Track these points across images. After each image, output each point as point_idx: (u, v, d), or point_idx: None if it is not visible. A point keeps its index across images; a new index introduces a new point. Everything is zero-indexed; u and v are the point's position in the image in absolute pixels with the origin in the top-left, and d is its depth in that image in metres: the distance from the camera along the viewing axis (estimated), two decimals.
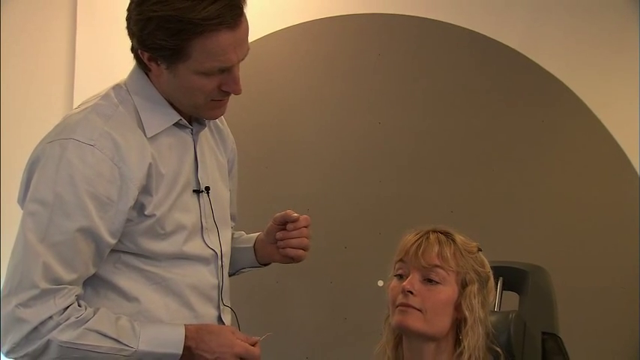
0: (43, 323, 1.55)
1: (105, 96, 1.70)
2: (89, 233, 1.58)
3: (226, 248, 1.86)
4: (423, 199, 3.51)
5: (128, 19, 1.63)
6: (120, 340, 1.60)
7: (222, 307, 1.83)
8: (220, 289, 1.82)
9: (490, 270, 1.85)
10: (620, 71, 3.60)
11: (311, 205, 3.51)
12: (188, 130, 1.76)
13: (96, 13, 3.59)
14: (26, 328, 1.55)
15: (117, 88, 1.72)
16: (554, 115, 3.58)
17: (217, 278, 1.81)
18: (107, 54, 3.51)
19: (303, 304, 3.49)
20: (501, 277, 2.18)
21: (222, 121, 1.93)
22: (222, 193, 1.89)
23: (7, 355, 1.59)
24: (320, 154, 3.56)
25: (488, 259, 1.87)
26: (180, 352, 1.64)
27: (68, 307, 1.58)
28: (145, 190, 1.65)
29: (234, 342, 1.69)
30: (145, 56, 1.64)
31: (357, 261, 3.44)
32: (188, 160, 1.76)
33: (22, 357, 1.59)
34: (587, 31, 3.62)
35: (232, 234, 2.01)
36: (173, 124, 1.72)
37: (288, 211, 1.89)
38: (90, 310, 1.62)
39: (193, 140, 1.77)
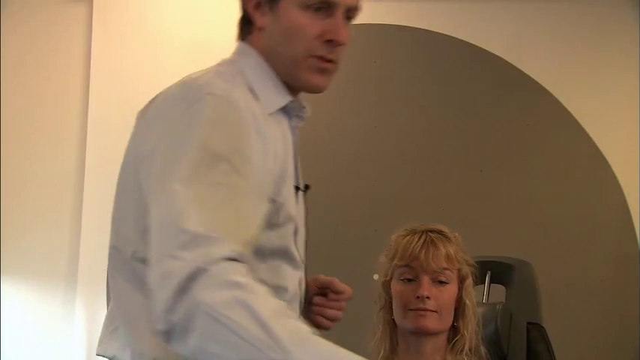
0: (191, 277, 1.11)
1: (221, 64, 1.47)
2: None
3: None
4: (416, 198, 3.51)
5: None
6: (275, 337, 1.08)
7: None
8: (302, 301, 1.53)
9: (470, 255, 1.87)
10: (600, 77, 3.62)
11: (310, 203, 3.50)
12: (287, 122, 1.47)
13: (111, 22, 3.59)
14: (173, 284, 1.11)
15: (230, 60, 1.48)
16: (538, 119, 3.59)
17: (300, 287, 1.51)
18: (122, 62, 3.52)
19: None
20: (489, 271, 2.18)
21: None
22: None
23: (161, 334, 1.14)
24: (319, 155, 3.56)
25: (477, 255, 1.88)
26: None
27: (230, 259, 1.14)
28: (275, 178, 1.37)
29: None
30: (252, 3, 1.43)
31: (353, 256, 3.43)
32: (290, 152, 1.47)
33: (172, 331, 1.13)
34: (569, 41, 3.64)
35: None
36: (279, 110, 1.44)
37: (335, 280, 1.64)
38: (258, 284, 1.15)
39: (292, 132, 1.49)
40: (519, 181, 3.55)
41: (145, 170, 1.32)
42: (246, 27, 1.47)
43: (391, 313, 1.84)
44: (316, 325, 1.58)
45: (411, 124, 3.61)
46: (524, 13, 3.66)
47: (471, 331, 1.79)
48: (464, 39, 3.62)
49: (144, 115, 1.43)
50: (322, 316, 1.62)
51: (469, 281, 1.80)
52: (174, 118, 1.32)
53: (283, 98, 1.44)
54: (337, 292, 1.62)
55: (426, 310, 1.75)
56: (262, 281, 1.18)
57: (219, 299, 1.09)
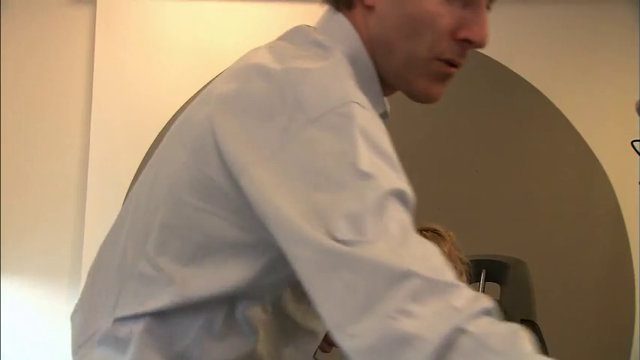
0: (448, 337, 0.82)
1: (314, 52, 1.07)
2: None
3: None
4: None
5: None
6: None
7: None
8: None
9: (464, 253, 1.88)
10: (592, 79, 3.61)
11: None
12: None
13: (114, 25, 3.58)
14: (426, 349, 0.81)
15: (314, 43, 1.10)
16: (531, 120, 3.59)
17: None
18: (125, 64, 3.51)
19: None
20: (484, 270, 2.19)
21: None
22: None
23: None
24: None
25: (473, 253, 1.88)
26: None
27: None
28: None
29: None
30: None
31: None
32: None
33: None
34: (561, 43, 3.64)
35: None
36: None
37: None
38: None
39: None
40: (513, 181, 3.55)
41: (250, 175, 0.97)
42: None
43: None
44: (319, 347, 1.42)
45: (406, 125, 3.59)
46: (518, 17, 3.65)
47: None
48: None
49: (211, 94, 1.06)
50: (324, 340, 1.39)
51: (462, 279, 1.81)
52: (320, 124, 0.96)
53: (381, 106, 1.15)
54: None
55: None
56: None
57: None
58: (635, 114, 1.80)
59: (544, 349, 2.05)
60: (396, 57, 1.09)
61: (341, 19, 1.11)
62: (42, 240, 3.45)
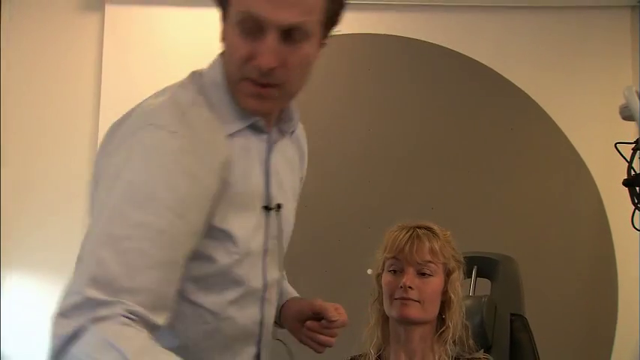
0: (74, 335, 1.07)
1: (182, 85, 1.30)
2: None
3: (276, 276, 1.41)
4: (407, 197, 3.52)
5: None
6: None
7: (264, 343, 1.43)
8: (262, 324, 1.40)
9: (460, 252, 1.87)
10: (579, 85, 3.63)
11: (308, 202, 3.50)
12: (264, 137, 1.33)
13: (121, 32, 3.59)
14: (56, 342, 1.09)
15: (198, 73, 1.32)
16: (521, 124, 3.61)
17: (262, 312, 1.38)
18: (131, 69, 3.53)
19: (300, 289, 3.47)
20: (475, 266, 2.20)
21: (304, 137, 1.57)
22: (291, 218, 1.46)
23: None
24: (316, 157, 3.52)
25: (465, 251, 1.89)
26: None
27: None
28: (217, 197, 1.22)
29: None
30: (220, 14, 1.28)
31: (348, 252, 3.44)
32: (258, 172, 1.32)
33: None
34: (550, 50, 3.66)
35: None
36: (248, 128, 1.30)
37: (329, 309, 1.49)
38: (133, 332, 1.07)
39: (267, 149, 1.34)
40: (503, 182, 3.57)
41: (93, 191, 1.27)
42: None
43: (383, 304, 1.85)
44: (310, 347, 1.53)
45: (402, 128, 3.61)
46: (508, 25, 3.67)
47: (456, 323, 1.79)
48: (452, 48, 3.64)
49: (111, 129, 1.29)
50: (314, 340, 1.52)
51: (455, 275, 1.80)
52: (118, 143, 1.21)
53: (248, 117, 1.29)
54: (330, 321, 1.48)
55: (408, 299, 1.76)
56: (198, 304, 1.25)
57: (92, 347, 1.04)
58: (619, 117, 1.82)
59: (532, 341, 2.07)
60: (228, 79, 1.29)
61: (217, 56, 1.33)
62: (51, 236, 3.45)
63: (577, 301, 3.48)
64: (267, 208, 1.33)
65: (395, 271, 1.81)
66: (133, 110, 1.27)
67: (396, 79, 3.64)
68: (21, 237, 3.50)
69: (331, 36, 1.34)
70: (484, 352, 1.87)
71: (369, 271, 1.93)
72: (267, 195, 1.33)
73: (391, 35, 3.64)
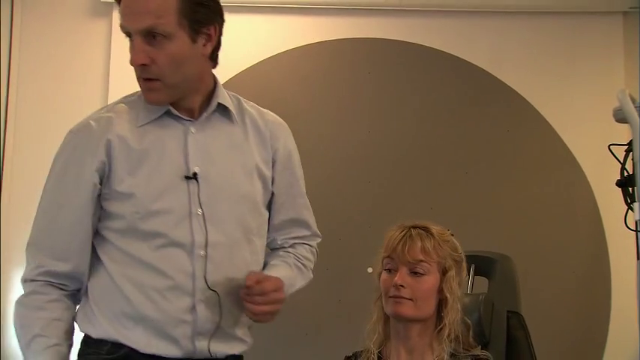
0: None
1: (118, 100, 1.69)
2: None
3: (222, 238, 1.60)
4: (406, 197, 3.51)
5: None
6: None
7: (198, 296, 1.57)
8: (194, 277, 1.56)
9: (462, 252, 1.87)
10: (573, 87, 3.63)
11: (310, 202, 3.53)
12: (184, 122, 1.61)
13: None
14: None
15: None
16: (517, 126, 3.61)
17: (192, 266, 1.56)
18: None
19: (303, 288, 3.49)
20: (473, 265, 2.20)
21: (270, 123, 1.74)
22: (228, 186, 1.63)
23: None
24: (318, 159, 3.54)
25: (462, 250, 1.88)
26: None
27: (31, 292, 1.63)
28: (110, 168, 1.56)
29: None
30: None
31: (349, 251, 3.42)
32: (174, 148, 1.58)
33: None
34: (544, 53, 3.65)
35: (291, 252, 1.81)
36: (166, 115, 1.59)
37: (250, 275, 1.59)
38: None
39: (185, 130, 1.60)
40: (500, 183, 3.56)
41: None
42: None
43: None
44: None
45: (402, 130, 3.61)
46: (504, 29, 3.67)
47: (452, 320, 1.78)
48: (450, 52, 3.64)
49: None
50: (248, 309, 1.60)
51: (450, 274, 1.80)
52: None
53: (158, 110, 1.59)
54: (246, 286, 1.57)
55: (401, 297, 1.77)
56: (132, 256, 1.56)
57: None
58: (613, 119, 1.83)
59: (528, 337, 2.07)
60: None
61: None
62: None
63: (571, 298, 3.48)
64: (187, 177, 1.57)
65: (390, 270, 1.82)
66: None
67: (396, 83, 3.64)
68: (26, 236, 3.50)
69: (203, 30, 1.59)
70: (482, 348, 1.88)
71: (370, 270, 1.93)
72: (187, 167, 1.57)
73: (390, 40, 3.64)
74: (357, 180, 3.56)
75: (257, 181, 1.68)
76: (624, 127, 2.04)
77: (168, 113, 1.61)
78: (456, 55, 3.64)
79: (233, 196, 1.63)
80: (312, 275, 1.89)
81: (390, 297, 1.79)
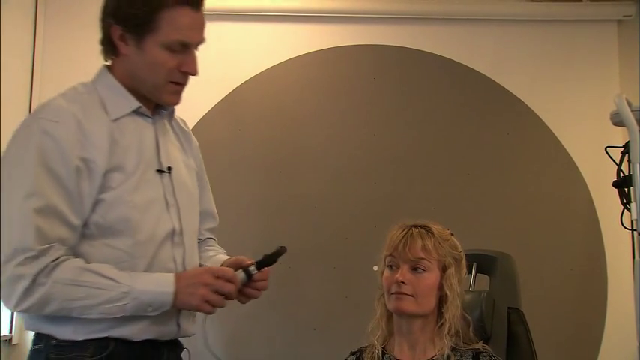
0: (40, 273, 1.43)
1: (71, 87, 1.63)
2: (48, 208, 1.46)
3: (190, 227, 1.68)
4: (410, 198, 3.52)
5: (105, 2, 1.61)
6: (116, 279, 1.46)
7: None
8: (181, 262, 1.63)
9: (462, 250, 1.86)
10: (570, 91, 3.62)
11: (317, 203, 3.54)
12: (149, 120, 1.64)
13: None
14: (25, 283, 1.43)
15: (83, 83, 1.65)
16: (516, 128, 3.61)
17: (175, 253, 1.62)
18: None
19: (311, 285, 3.48)
20: (475, 263, 2.19)
21: (185, 125, 1.82)
22: (187, 181, 1.72)
23: (16, 311, 1.46)
24: (325, 161, 3.56)
25: (464, 248, 1.87)
26: (173, 289, 1.50)
27: (60, 256, 1.46)
28: (115, 166, 1.53)
29: (202, 276, 1.54)
30: (117, 34, 1.56)
31: (355, 249, 3.44)
32: (149, 144, 1.62)
33: (29, 310, 1.46)
34: (543, 59, 3.65)
35: (209, 249, 1.83)
36: (134, 112, 1.61)
37: (241, 257, 1.69)
38: (79, 257, 1.49)
39: (155, 128, 1.65)
40: (501, 183, 3.56)
41: None
42: (111, 49, 1.62)
43: None
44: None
45: (406, 133, 3.61)
46: (505, 36, 3.67)
47: (452, 316, 1.78)
48: (452, 58, 3.64)
49: None
50: (251, 296, 1.67)
51: (450, 271, 1.79)
52: (16, 133, 1.53)
53: (131, 105, 1.60)
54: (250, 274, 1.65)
55: (402, 293, 1.76)
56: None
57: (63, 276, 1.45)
58: (609, 122, 1.82)
59: (528, 332, 2.06)
60: (146, 83, 1.60)
61: (101, 69, 1.65)
62: None
63: (569, 294, 3.47)
64: (160, 172, 1.61)
65: (392, 268, 1.81)
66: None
67: (400, 87, 3.64)
68: None
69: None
70: (483, 343, 1.87)
71: (375, 268, 1.93)
72: (159, 162, 1.62)
73: (395, 46, 3.64)
74: (362, 181, 3.55)
75: (194, 177, 1.78)
76: (620, 130, 2.03)
77: (136, 110, 1.63)
78: (457, 61, 3.64)
79: (190, 190, 1.72)
80: None
81: (392, 293, 1.78)
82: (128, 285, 1.46)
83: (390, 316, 1.85)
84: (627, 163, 1.75)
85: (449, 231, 1.86)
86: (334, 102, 3.62)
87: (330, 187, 3.55)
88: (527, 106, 3.60)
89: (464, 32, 3.66)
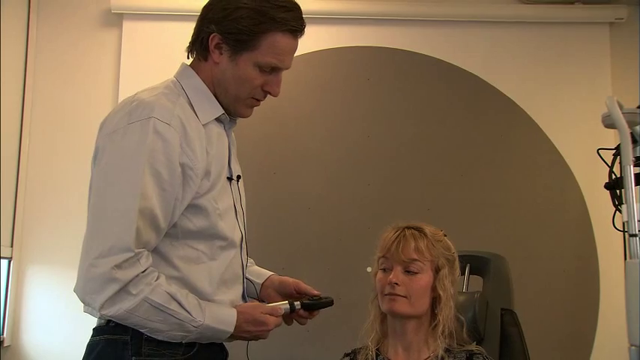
0: (130, 282, 1.43)
1: (164, 85, 1.62)
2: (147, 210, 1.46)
3: (247, 234, 1.75)
4: (404, 199, 3.52)
5: (209, 8, 1.61)
6: (192, 313, 1.49)
7: (245, 283, 1.72)
8: (244, 267, 1.71)
9: (455, 251, 1.86)
10: (563, 93, 3.64)
11: (311, 204, 3.54)
12: (222, 125, 1.67)
13: (137, 47, 3.60)
14: (116, 287, 1.43)
15: (172, 81, 1.65)
16: (509, 130, 3.62)
17: (242, 259, 1.69)
18: (147, 82, 3.51)
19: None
20: (468, 264, 2.19)
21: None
22: (242, 188, 1.77)
23: (100, 312, 1.46)
24: (319, 162, 3.56)
25: (458, 250, 1.87)
26: (232, 330, 1.55)
27: (148, 268, 1.47)
28: (206, 172, 1.55)
29: (266, 320, 1.60)
30: (214, 42, 1.59)
31: (349, 251, 3.44)
32: (224, 151, 1.66)
33: (112, 317, 1.47)
34: (536, 61, 3.67)
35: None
36: (215, 119, 1.63)
37: (312, 290, 1.80)
38: (161, 275, 1.49)
39: (227, 135, 1.69)
40: (494, 186, 3.57)
41: (94, 168, 1.55)
42: (202, 52, 1.63)
43: None
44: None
45: (400, 134, 3.61)
46: (498, 38, 3.68)
47: (446, 317, 1.78)
48: (445, 59, 3.65)
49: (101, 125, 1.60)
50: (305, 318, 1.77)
51: (443, 272, 1.79)
52: (118, 129, 1.50)
53: (217, 111, 1.63)
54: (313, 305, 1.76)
55: (395, 294, 1.76)
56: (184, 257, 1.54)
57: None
58: (601, 124, 1.82)
59: (521, 334, 2.06)
60: (228, 94, 1.63)
61: (187, 68, 1.67)
62: (70, 233, 3.45)
63: (562, 295, 3.48)
64: (229, 179, 1.66)
65: (385, 269, 1.81)
66: (119, 104, 1.60)
67: (394, 88, 3.65)
68: (41, 234, 3.51)
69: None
70: (476, 344, 1.87)
71: (369, 269, 1.93)
72: (229, 169, 1.67)
73: (389, 48, 3.65)
74: (356, 182, 3.56)
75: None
76: (612, 132, 2.04)
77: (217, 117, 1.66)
78: (451, 62, 3.65)
79: (244, 198, 1.78)
80: None
81: (386, 295, 1.78)
82: (199, 321, 1.50)
83: (383, 317, 1.85)
84: (619, 164, 1.76)
85: (442, 232, 1.86)
86: (328, 103, 3.62)
87: (324, 188, 3.55)
88: (520, 108, 3.61)
89: (458, 34, 3.67)
